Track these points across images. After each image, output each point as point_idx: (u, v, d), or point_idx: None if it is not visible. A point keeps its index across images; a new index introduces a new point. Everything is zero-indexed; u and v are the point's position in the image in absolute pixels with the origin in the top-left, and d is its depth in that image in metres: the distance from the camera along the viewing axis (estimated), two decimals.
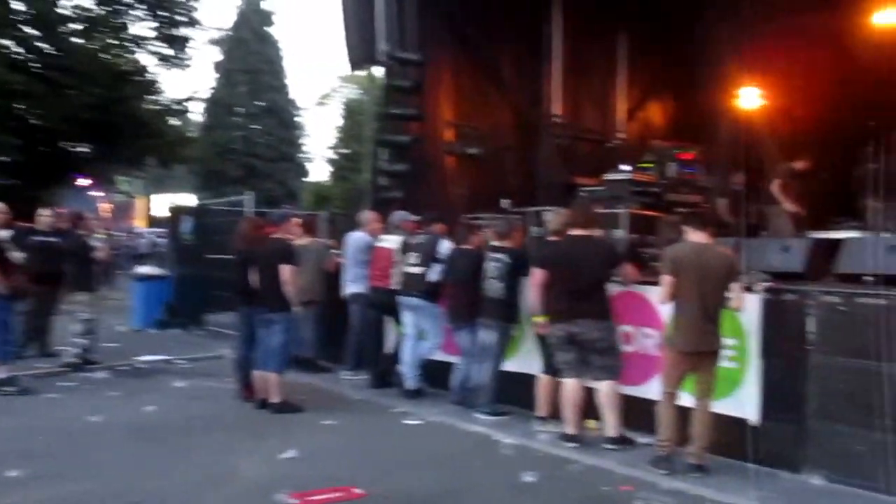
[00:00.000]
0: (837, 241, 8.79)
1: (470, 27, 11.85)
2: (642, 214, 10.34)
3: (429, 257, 7.74)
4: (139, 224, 34.89)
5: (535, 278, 6.42)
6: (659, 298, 5.81)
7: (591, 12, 13.33)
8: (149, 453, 5.97)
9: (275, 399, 7.24)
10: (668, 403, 5.68)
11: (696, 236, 5.78)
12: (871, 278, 6.29)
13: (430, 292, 7.70)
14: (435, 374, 7.90)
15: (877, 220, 9.73)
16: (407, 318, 7.96)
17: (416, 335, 7.91)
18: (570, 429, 6.30)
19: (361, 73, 12.55)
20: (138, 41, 20.81)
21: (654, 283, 6.30)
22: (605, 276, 6.27)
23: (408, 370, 7.88)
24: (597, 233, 6.53)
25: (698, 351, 5.55)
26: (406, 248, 8.00)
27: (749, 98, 13.59)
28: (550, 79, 13.03)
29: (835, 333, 5.41)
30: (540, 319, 6.43)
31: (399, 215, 8.67)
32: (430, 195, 11.07)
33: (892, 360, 5.08)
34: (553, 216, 6.97)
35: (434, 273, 7.69)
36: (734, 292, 5.56)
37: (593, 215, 6.60)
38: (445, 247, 7.78)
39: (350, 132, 36.85)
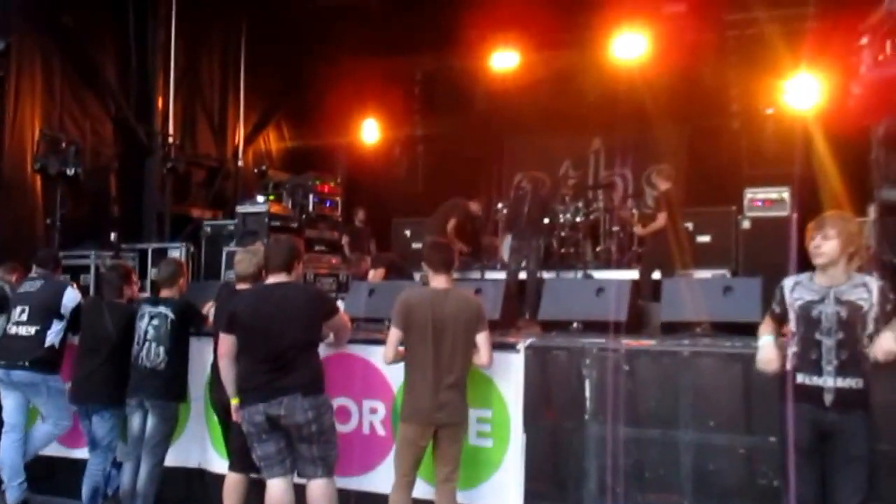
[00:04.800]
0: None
1: (66, 14, 9.41)
2: None
3: (46, 312, 5.63)
4: None
5: (224, 346, 4.65)
6: (385, 357, 4.63)
7: (208, 21, 11.70)
8: None
9: None
10: (401, 491, 4.43)
11: (436, 280, 4.61)
12: (577, 325, 5.84)
13: (47, 362, 5.59)
14: (53, 477, 5.85)
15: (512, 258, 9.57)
16: (8, 400, 5.70)
17: (20, 425, 5.67)
18: None
19: None
20: None
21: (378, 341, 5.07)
22: (316, 336, 4.75)
23: (8, 475, 5.58)
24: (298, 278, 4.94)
25: (438, 423, 4.40)
26: (7, 299, 5.84)
27: (368, 131, 13.13)
28: (162, 91, 11.02)
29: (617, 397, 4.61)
30: (237, 402, 4.67)
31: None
32: (11, 225, 8.65)
33: (686, 427, 4.43)
34: (245, 256, 5.21)
35: (53, 334, 5.62)
36: (480, 346, 4.51)
37: (298, 252, 4.86)
38: (71, 297, 5.73)
39: None
